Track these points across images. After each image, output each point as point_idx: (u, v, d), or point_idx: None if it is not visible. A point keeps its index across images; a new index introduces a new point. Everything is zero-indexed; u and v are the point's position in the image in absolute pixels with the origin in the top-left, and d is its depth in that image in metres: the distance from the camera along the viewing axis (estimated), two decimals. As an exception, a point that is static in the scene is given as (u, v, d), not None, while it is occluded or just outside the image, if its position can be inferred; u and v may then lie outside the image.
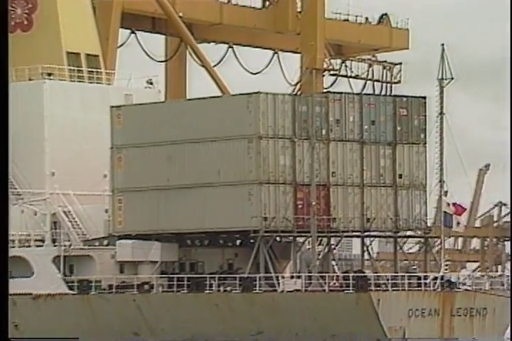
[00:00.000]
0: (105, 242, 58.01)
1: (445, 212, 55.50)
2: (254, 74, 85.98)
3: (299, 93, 77.47)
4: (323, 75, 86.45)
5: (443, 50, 56.28)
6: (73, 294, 57.26)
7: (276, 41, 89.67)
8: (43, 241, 58.35)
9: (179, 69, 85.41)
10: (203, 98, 60.64)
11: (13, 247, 60.01)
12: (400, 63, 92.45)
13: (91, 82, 66.49)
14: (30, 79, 64.01)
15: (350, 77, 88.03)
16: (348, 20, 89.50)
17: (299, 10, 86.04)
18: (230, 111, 55.62)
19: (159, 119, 57.87)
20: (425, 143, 56.50)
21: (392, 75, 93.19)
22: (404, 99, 56.71)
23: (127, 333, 55.79)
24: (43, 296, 56.48)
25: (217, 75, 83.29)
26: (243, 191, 54.18)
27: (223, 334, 53.60)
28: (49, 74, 63.54)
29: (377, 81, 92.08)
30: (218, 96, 58.60)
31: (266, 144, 53.14)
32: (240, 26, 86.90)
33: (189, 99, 64.66)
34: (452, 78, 55.73)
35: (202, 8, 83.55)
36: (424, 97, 57.38)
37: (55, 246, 58.23)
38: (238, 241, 59.15)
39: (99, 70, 67.86)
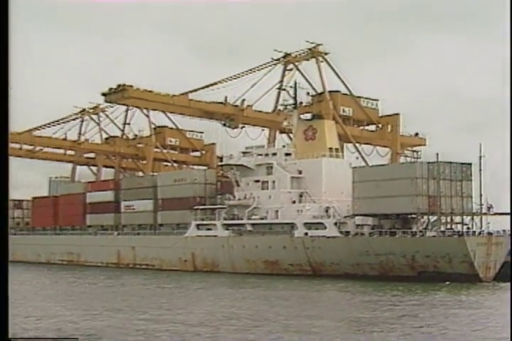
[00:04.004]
0: (350, 217, 55.15)
1: (488, 207, 51.86)
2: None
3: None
4: (401, 156, 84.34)
5: (480, 146, 50.83)
6: (338, 236, 53.41)
7: (381, 142, 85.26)
8: (328, 217, 56.11)
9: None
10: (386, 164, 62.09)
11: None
12: (420, 151, 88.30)
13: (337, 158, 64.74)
14: (316, 157, 62.41)
15: (406, 156, 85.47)
16: (404, 135, 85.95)
17: (389, 131, 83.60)
18: (403, 168, 54.32)
19: (371, 172, 55.89)
20: (471, 180, 53.11)
21: (417, 155, 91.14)
22: (465, 164, 53.28)
23: (358, 250, 51.74)
24: (332, 237, 54.04)
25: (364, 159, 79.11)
26: (408, 198, 51.13)
27: (396, 252, 50.46)
28: (323, 156, 62.71)
29: (413, 157, 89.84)
30: (402, 163, 56.46)
31: (418, 181, 51.47)
32: (367, 137, 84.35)
33: (380, 165, 61.29)
34: (484, 155, 51.17)
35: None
36: (470, 164, 53.13)
37: (332, 218, 55.52)
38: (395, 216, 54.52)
39: (338, 154, 65.43)
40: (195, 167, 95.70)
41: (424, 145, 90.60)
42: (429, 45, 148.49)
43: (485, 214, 52.56)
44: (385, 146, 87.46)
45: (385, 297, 38.04)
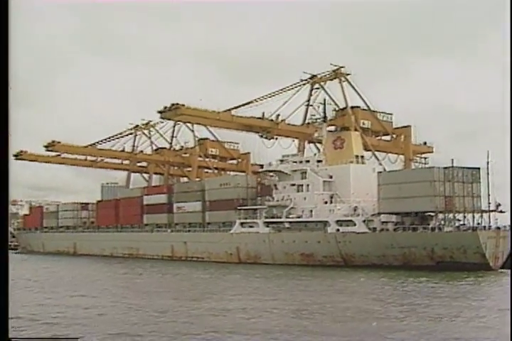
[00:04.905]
0: (376, 215, 55.52)
1: (496, 205, 52.25)
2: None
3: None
4: (413, 162, 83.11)
5: (488, 153, 50.88)
6: (366, 232, 54.09)
7: (395, 150, 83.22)
8: (357, 215, 56.40)
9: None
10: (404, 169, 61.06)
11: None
12: (427, 157, 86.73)
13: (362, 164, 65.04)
14: (344, 164, 62.98)
15: (416, 162, 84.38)
16: (415, 144, 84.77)
17: (402, 140, 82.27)
18: (422, 173, 54.59)
19: (394, 176, 56.13)
20: (480, 182, 53.37)
21: (425, 161, 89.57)
22: (474, 168, 53.60)
23: (384, 244, 52.33)
24: (361, 233, 54.81)
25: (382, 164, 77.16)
26: (427, 198, 51.72)
27: (418, 245, 50.56)
28: (351, 162, 63.30)
29: (422, 163, 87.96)
30: (416, 168, 55.62)
31: (436, 183, 52.12)
32: (383, 146, 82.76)
33: (401, 170, 61.97)
34: (491, 161, 51.64)
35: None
36: (479, 168, 52.90)
37: (360, 216, 55.76)
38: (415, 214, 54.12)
39: (363, 161, 65.35)
40: (232, 173, 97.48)
41: (432, 152, 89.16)
42: (428, 67, 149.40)
43: (492, 211, 53.05)
44: (397, 154, 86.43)
45: (423, 285, 38.63)
